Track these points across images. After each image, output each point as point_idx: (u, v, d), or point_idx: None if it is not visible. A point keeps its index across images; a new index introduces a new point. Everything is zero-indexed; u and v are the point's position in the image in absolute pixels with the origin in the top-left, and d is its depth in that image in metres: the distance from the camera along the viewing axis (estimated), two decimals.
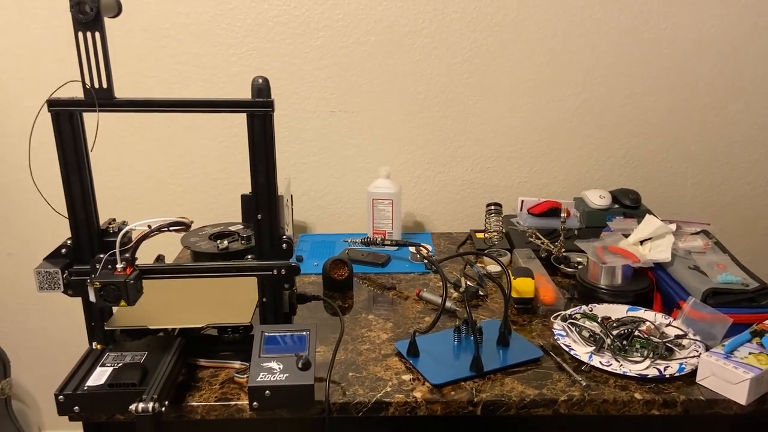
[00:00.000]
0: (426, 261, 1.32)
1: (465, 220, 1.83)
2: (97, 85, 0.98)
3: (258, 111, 1.02)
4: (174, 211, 1.78)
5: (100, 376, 1.00)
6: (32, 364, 1.96)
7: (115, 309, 1.14)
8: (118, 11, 1.00)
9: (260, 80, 1.02)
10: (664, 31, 1.66)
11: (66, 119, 1.01)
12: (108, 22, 0.97)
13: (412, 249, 1.55)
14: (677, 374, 1.06)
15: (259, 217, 1.08)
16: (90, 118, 1.03)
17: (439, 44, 1.66)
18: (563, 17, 1.64)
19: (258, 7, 1.62)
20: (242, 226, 1.57)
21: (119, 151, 1.74)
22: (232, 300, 1.18)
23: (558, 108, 1.73)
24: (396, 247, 1.60)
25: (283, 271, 1.09)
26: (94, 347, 1.09)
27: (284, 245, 1.09)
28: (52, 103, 1.00)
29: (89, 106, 0.99)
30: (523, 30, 1.65)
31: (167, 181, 1.77)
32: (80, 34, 0.95)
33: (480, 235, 1.66)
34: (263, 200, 1.07)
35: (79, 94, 1.00)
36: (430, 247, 1.59)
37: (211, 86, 1.68)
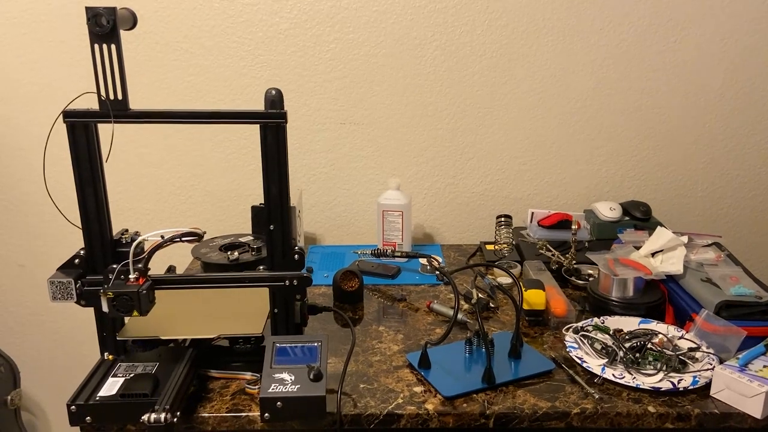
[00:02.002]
0: (438, 272, 1.32)
1: (475, 231, 1.82)
2: (112, 97, 0.99)
3: (271, 122, 1.03)
4: (184, 222, 1.79)
5: (111, 387, 1.01)
6: (42, 375, 1.96)
7: (126, 319, 1.14)
8: (133, 24, 1.01)
9: (273, 92, 1.03)
10: (674, 44, 1.66)
11: (81, 131, 1.01)
12: (122, 34, 0.98)
13: (422, 261, 1.55)
14: (691, 387, 1.05)
15: (272, 228, 1.08)
16: (104, 130, 1.03)
17: (449, 57, 1.67)
18: (573, 30, 1.65)
19: (269, 20, 1.63)
20: (252, 238, 1.57)
21: (130, 162, 1.75)
22: (243, 311, 1.18)
23: (568, 120, 1.73)
24: (406, 259, 1.60)
25: (295, 282, 1.09)
26: (105, 358, 1.09)
27: (296, 256, 1.10)
28: (67, 115, 1.00)
29: (104, 118, 1.00)
30: (532, 43, 1.66)
31: (177, 193, 1.78)
32: (96, 47, 0.96)
33: (490, 247, 1.66)
34: (275, 211, 1.07)
35: (93, 105, 1.01)
36: (440, 259, 1.59)
37: (223, 98, 1.69)
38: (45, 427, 2.03)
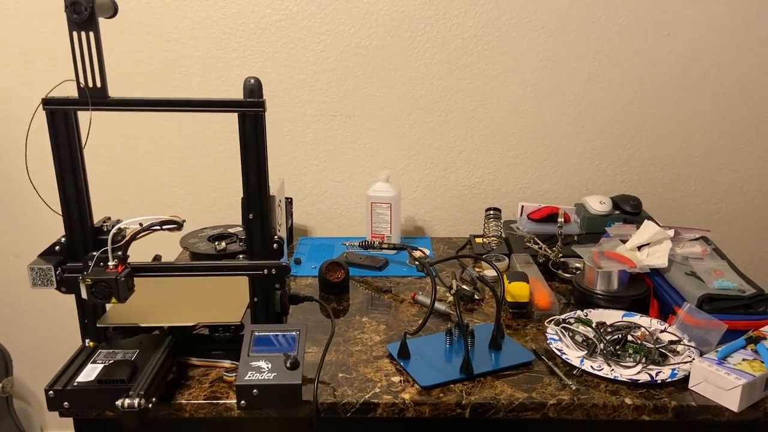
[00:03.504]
0: (417, 263, 1.32)
1: (466, 224, 1.82)
2: (91, 85, 0.99)
3: (249, 111, 1.03)
4: (176, 213, 1.79)
5: (90, 373, 1.01)
6: (34, 363, 1.98)
7: (108, 306, 1.15)
8: (113, 12, 1.01)
9: (252, 80, 1.03)
10: (667, 37, 1.65)
11: (61, 118, 1.02)
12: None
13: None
14: (669, 380, 1.05)
15: (251, 216, 1.08)
16: (87, 118, 1.04)
17: (440, 49, 1.66)
18: (565, 23, 1.64)
19: (261, 12, 1.63)
20: (241, 228, 1.57)
21: (123, 153, 1.75)
22: (224, 300, 1.18)
23: (559, 113, 1.72)
24: (394, 251, 1.60)
25: (273, 271, 1.10)
26: (87, 344, 1.10)
27: (275, 245, 1.10)
28: (47, 102, 1.01)
29: (83, 105, 1.00)
30: (524, 35, 1.65)
31: (170, 183, 1.78)
32: (75, 34, 0.97)
33: (480, 240, 1.66)
34: (254, 200, 1.08)
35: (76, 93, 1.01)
36: (427, 251, 1.59)
37: (215, 89, 1.69)
38: (38, 415, 2.05)
